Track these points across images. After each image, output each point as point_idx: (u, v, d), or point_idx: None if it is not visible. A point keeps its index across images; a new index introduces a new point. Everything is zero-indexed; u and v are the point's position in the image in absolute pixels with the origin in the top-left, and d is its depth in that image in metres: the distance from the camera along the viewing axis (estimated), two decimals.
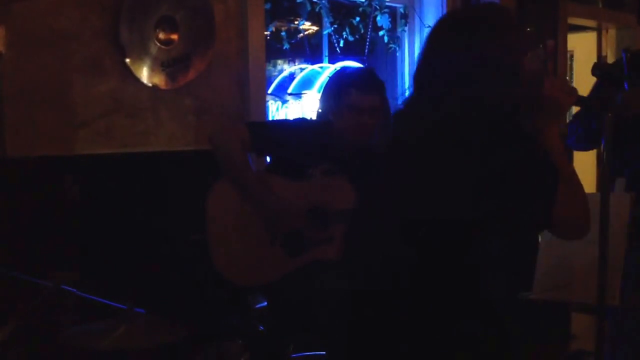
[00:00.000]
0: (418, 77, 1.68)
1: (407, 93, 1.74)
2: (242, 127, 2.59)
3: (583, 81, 3.38)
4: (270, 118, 3.57)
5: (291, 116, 3.65)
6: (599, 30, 5.64)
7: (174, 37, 2.86)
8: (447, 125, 1.57)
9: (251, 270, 2.53)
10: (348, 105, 2.55)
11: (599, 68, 2.68)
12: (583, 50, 5.69)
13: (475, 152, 1.54)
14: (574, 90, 1.67)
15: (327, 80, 2.78)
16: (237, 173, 2.53)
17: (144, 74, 2.80)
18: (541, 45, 4.37)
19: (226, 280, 2.49)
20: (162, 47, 2.83)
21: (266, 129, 2.65)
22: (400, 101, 1.74)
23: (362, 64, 3.87)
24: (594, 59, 5.46)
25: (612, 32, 5.51)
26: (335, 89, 2.64)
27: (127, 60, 2.75)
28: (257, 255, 2.53)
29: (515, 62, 1.59)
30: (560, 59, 4.40)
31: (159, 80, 2.85)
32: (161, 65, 2.83)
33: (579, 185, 1.60)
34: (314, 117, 2.79)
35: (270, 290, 2.61)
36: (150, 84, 2.83)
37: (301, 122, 2.97)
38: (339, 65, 3.81)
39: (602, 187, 1.78)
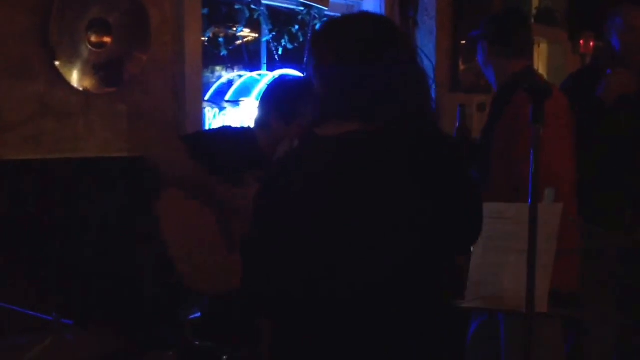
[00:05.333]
0: (335, 98, 1.63)
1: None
2: (177, 140, 2.52)
3: None
4: (207, 125, 3.52)
5: (228, 124, 3.60)
6: None
7: (107, 40, 2.79)
8: (392, 151, 1.56)
9: (215, 279, 2.46)
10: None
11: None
12: None
13: (419, 174, 1.55)
14: None
15: (265, 89, 2.73)
16: (189, 180, 2.44)
17: (75, 78, 2.72)
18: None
19: (194, 291, 2.42)
20: (94, 50, 2.75)
21: (198, 140, 2.60)
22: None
23: (301, 72, 3.86)
24: None
25: (544, 46, 5.65)
26: (280, 102, 2.56)
27: (57, 62, 2.67)
28: (218, 262, 2.47)
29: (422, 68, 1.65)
30: None
31: (91, 84, 2.77)
32: (93, 68, 2.76)
33: None
34: (252, 125, 2.74)
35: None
36: (81, 88, 2.75)
37: (228, 130, 2.91)
38: (277, 73, 3.79)
39: (531, 197, 1.81)
